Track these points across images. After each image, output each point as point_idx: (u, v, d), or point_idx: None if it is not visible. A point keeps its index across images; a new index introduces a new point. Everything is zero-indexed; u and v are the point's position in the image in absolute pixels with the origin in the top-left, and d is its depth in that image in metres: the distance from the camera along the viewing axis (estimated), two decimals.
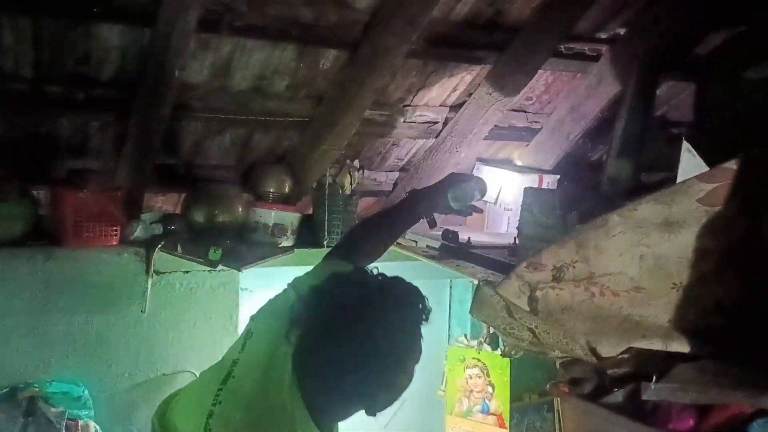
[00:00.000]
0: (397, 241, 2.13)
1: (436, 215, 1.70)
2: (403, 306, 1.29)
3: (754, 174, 1.13)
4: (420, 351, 1.32)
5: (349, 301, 1.26)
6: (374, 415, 1.32)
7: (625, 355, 1.37)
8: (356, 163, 2.83)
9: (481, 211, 1.81)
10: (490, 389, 2.94)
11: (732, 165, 1.17)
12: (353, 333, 1.23)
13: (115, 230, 2.45)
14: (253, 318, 1.45)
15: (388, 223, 1.75)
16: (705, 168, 1.23)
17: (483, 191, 1.71)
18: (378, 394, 1.28)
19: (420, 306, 1.31)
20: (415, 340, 1.30)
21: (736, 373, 1.26)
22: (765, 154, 1.14)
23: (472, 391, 2.98)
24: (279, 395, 1.26)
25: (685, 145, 1.30)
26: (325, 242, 2.70)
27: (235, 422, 1.28)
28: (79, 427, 2.34)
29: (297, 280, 1.44)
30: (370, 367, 1.25)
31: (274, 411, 1.26)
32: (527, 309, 1.36)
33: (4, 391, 2.30)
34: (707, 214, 1.23)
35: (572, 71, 2.88)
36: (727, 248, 1.25)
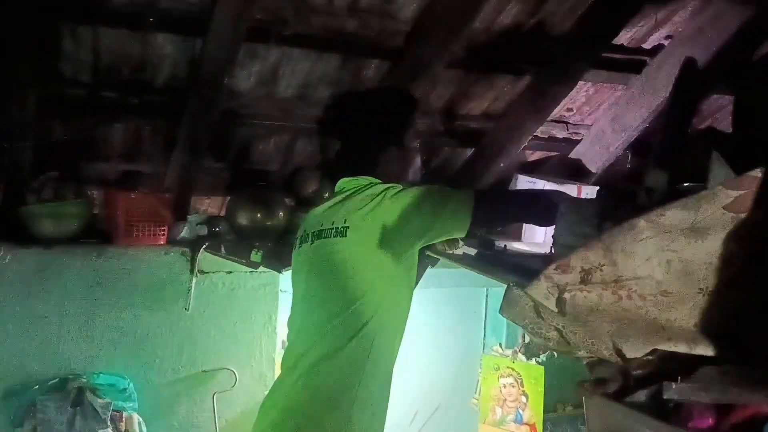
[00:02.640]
0: (435, 247, 2.15)
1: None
2: None
3: None
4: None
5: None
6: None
7: (650, 357, 1.38)
8: None
9: None
10: (523, 399, 2.94)
11: (757, 173, 1.19)
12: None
13: (163, 230, 2.56)
14: None
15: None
16: (732, 176, 1.25)
17: None
18: None
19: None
20: None
21: (757, 376, 1.27)
22: None
23: (505, 400, 2.98)
24: None
25: (715, 155, 1.32)
26: None
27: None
28: (124, 419, 2.44)
29: None
30: None
31: None
32: (555, 310, 1.38)
33: (55, 381, 2.41)
34: (733, 220, 1.24)
35: (614, 83, 2.88)
36: (751, 254, 1.26)
